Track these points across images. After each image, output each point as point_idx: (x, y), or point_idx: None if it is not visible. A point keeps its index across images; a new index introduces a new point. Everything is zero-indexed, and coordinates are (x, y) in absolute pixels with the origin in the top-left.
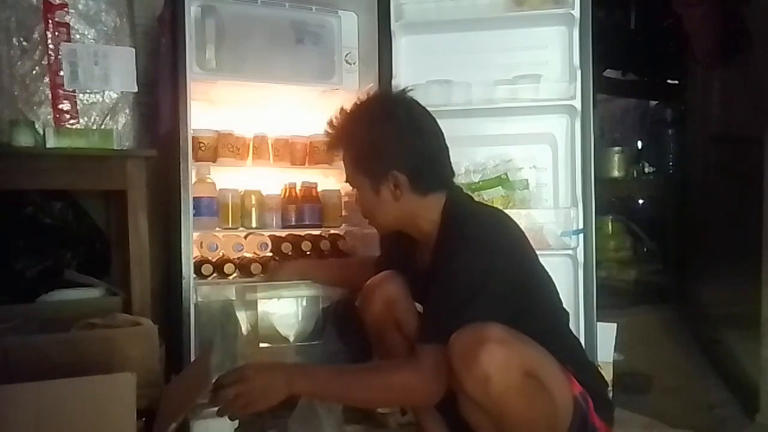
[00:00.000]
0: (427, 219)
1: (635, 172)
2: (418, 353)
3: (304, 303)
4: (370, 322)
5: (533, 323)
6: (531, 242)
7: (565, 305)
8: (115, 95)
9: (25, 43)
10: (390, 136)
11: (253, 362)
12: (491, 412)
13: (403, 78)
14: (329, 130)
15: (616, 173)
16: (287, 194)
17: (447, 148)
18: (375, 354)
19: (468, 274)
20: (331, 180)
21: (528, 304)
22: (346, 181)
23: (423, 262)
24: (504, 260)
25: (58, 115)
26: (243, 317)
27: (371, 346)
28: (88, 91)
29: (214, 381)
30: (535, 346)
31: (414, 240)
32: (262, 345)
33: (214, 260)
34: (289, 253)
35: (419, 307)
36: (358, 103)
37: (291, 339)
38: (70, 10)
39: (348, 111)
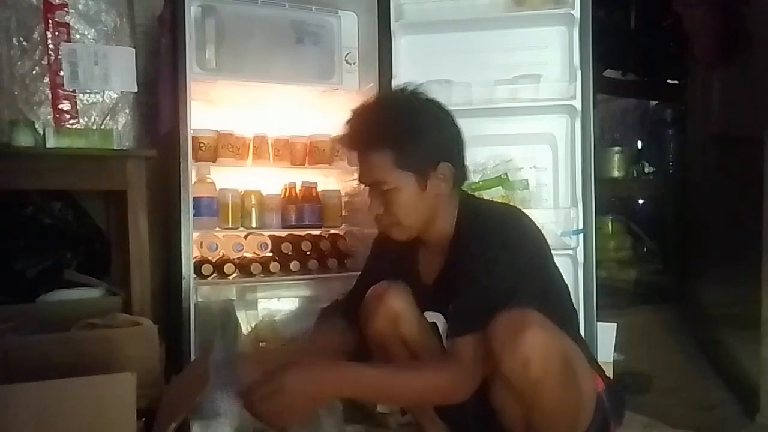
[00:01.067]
0: (446, 218)
1: (635, 172)
2: (457, 348)
3: (304, 303)
4: (373, 339)
5: (555, 319)
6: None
7: None
8: (115, 95)
9: (25, 43)
10: (431, 125)
11: (290, 363)
12: (525, 397)
13: (403, 78)
14: (358, 130)
15: (616, 173)
16: (287, 194)
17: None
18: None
19: (506, 265)
20: (331, 180)
21: (547, 299)
22: (370, 184)
23: (431, 270)
24: (533, 252)
25: (58, 115)
26: (243, 317)
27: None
28: (88, 91)
29: (246, 387)
30: (568, 337)
31: (415, 249)
32: (262, 345)
33: (214, 260)
34: (289, 253)
35: (430, 315)
36: (382, 98)
37: (291, 339)
38: (70, 10)
39: (375, 106)
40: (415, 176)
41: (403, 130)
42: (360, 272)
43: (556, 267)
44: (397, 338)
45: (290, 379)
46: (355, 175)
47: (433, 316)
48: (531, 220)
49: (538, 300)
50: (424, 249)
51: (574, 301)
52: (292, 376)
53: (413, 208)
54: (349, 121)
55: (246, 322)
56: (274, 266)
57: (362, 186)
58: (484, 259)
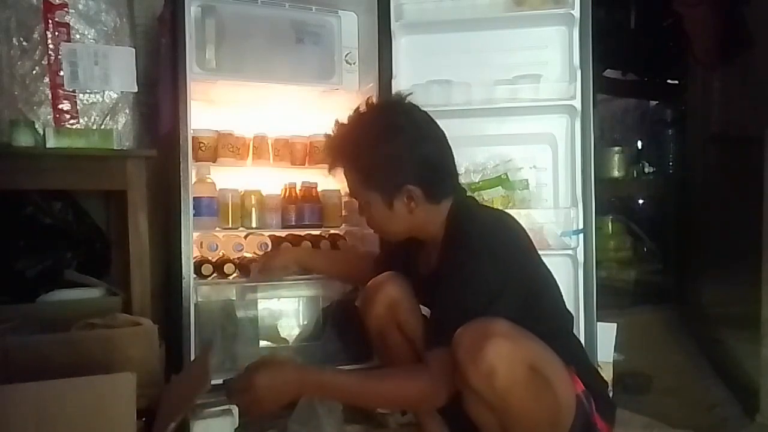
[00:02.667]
0: (436, 223)
1: (635, 172)
2: (430, 359)
3: (304, 303)
4: (371, 323)
5: (538, 325)
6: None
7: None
8: (115, 95)
9: (25, 43)
10: (399, 149)
11: (263, 362)
12: (495, 407)
13: (403, 78)
14: (330, 148)
15: (616, 173)
16: (287, 194)
17: (451, 150)
18: (376, 354)
19: (483, 280)
20: (331, 180)
21: (534, 306)
22: (351, 196)
23: (428, 263)
24: (515, 265)
25: (58, 115)
26: (243, 317)
27: (371, 346)
28: (88, 91)
29: (224, 383)
30: (539, 342)
31: (419, 241)
32: (262, 345)
33: (214, 260)
34: None
35: (424, 309)
36: (357, 116)
37: (291, 339)
38: (70, 10)
39: (348, 126)
40: (381, 196)
41: (368, 156)
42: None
43: (547, 271)
44: (394, 324)
45: (259, 378)
46: None
47: (424, 310)
48: (519, 225)
49: (516, 312)
50: (426, 245)
51: (574, 301)
52: (261, 375)
53: (385, 223)
54: (328, 137)
55: (246, 322)
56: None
57: None
58: (460, 273)
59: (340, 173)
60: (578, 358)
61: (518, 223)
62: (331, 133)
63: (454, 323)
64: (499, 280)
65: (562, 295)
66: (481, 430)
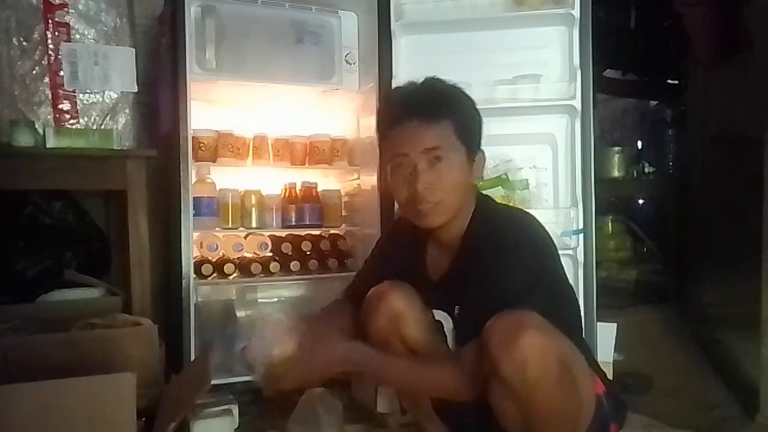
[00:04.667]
0: (465, 212)
1: (635, 172)
2: (463, 354)
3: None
4: (373, 336)
5: (558, 322)
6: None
7: None
8: (115, 95)
9: (25, 43)
10: (477, 111)
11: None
12: (522, 398)
13: (403, 78)
14: (418, 97)
15: (616, 173)
16: (287, 194)
17: None
18: None
19: (520, 274)
20: (331, 180)
21: (555, 302)
22: (427, 150)
23: (439, 268)
24: (547, 261)
25: (58, 115)
26: (243, 317)
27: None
28: (88, 91)
29: (267, 352)
30: (567, 339)
31: (423, 246)
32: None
33: (214, 260)
34: (289, 253)
35: (437, 314)
36: (435, 79)
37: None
38: (70, 10)
39: (432, 81)
40: (466, 152)
41: (463, 104)
42: (370, 256)
43: (565, 273)
44: (397, 337)
45: (303, 349)
46: (356, 175)
47: (438, 315)
48: (543, 227)
49: (545, 308)
50: (433, 245)
51: None
52: (306, 347)
53: (459, 184)
54: (406, 91)
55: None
56: (274, 266)
57: (407, 157)
58: (496, 269)
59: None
60: (589, 358)
61: (538, 220)
62: (416, 88)
63: (491, 317)
64: (534, 275)
65: (576, 296)
66: (501, 421)
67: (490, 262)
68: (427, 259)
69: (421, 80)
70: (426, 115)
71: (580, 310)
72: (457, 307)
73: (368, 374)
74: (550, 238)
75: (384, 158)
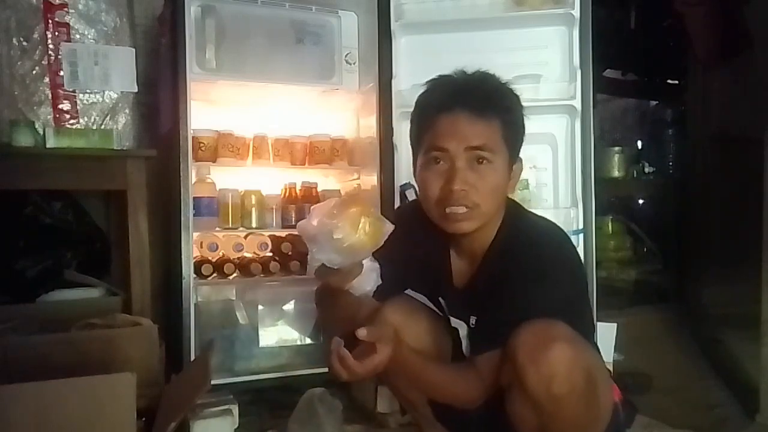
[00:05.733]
0: (495, 221)
1: (635, 172)
2: (481, 362)
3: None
4: None
5: (581, 328)
6: None
7: None
8: (115, 95)
9: (25, 43)
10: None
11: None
12: (545, 411)
13: (403, 78)
14: (470, 91)
15: (616, 173)
16: (287, 194)
17: None
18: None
19: (550, 285)
20: (331, 180)
21: (581, 312)
22: (472, 148)
23: (463, 275)
24: (576, 272)
25: (58, 115)
26: (243, 317)
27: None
28: (88, 91)
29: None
30: (593, 349)
31: (446, 253)
32: (261, 345)
33: (214, 260)
34: (289, 253)
35: (455, 322)
36: (486, 72)
37: (290, 339)
38: (70, 10)
39: (485, 76)
40: (508, 156)
41: (514, 104)
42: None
43: (586, 280)
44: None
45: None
46: (356, 175)
47: (454, 322)
48: (569, 238)
49: (574, 320)
50: (457, 253)
51: None
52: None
53: (498, 189)
54: (456, 81)
55: (246, 322)
56: (274, 266)
57: (447, 153)
58: (525, 277)
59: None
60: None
61: (565, 233)
62: (468, 79)
63: (515, 327)
64: (566, 292)
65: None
66: (515, 428)
67: (523, 276)
68: (451, 266)
69: (471, 71)
70: (475, 109)
71: (593, 320)
72: (473, 317)
73: (406, 375)
74: (576, 252)
75: (418, 151)
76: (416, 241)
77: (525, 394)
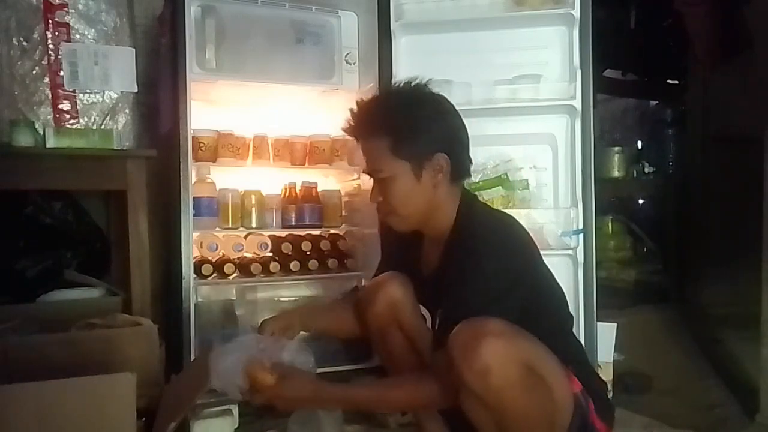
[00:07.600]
0: (446, 213)
1: (635, 172)
2: (437, 359)
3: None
4: (372, 323)
5: (537, 326)
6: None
7: None
8: (115, 95)
9: (25, 43)
10: (430, 116)
11: (286, 372)
12: (491, 406)
13: (402, 78)
14: (362, 113)
15: (616, 173)
16: (287, 194)
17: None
18: (376, 353)
19: (488, 281)
20: (331, 180)
21: (534, 307)
22: (369, 172)
23: (429, 263)
24: (519, 267)
25: (58, 115)
26: (243, 317)
27: (372, 346)
28: (88, 91)
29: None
30: (534, 341)
31: (419, 240)
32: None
33: (214, 260)
34: (289, 253)
35: (424, 311)
36: (384, 89)
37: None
38: (70, 10)
39: (378, 96)
40: (410, 165)
41: (400, 118)
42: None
43: (549, 275)
44: (394, 323)
45: (277, 389)
46: (356, 175)
47: (424, 311)
48: (523, 229)
49: (520, 314)
50: (427, 240)
51: (574, 301)
52: (280, 387)
53: (408, 198)
54: (352, 110)
55: (246, 322)
56: (274, 266)
57: (367, 178)
58: (471, 272)
59: (340, 173)
60: (577, 359)
61: (519, 224)
62: (358, 106)
63: (454, 323)
64: (503, 281)
65: (564, 296)
66: (478, 429)
67: (464, 266)
68: (422, 254)
69: (367, 98)
70: (361, 137)
71: (566, 311)
72: (440, 310)
73: (338, 407)
74: (531, 240)
75: None
76: (401, 233)
77: (470, 392)
